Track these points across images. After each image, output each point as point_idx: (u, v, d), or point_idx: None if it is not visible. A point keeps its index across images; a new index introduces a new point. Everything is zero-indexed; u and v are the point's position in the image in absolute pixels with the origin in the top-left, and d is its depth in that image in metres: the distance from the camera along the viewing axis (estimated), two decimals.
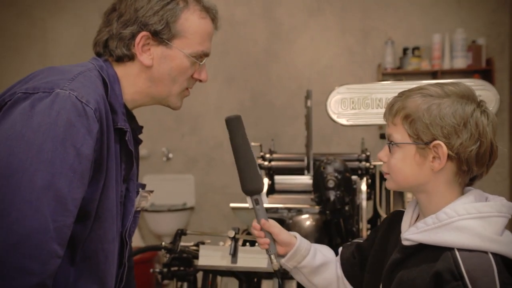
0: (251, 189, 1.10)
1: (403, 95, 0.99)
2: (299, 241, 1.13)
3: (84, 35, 4.32)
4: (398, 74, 4.06)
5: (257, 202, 1.11)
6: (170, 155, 4.43)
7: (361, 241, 1.18)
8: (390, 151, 0.99)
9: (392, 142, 0.98)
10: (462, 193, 0.99)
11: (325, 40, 4.27)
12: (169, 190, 4.33)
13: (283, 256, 1.14)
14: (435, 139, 0.93)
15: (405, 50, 4.04)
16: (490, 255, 0.89)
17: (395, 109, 0.98)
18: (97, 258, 1.01)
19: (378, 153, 1.03)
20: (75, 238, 0.95)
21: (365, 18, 4.21)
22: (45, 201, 0.87)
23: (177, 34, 1.06)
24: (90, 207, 0.96)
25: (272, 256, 1.12)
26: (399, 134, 0.97)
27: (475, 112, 0.93)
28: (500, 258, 0.89)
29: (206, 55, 1.12)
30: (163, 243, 1.74)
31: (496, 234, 0.91)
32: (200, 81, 1.15)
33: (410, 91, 0.98)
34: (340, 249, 1.20)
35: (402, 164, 0.97)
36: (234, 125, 1.09)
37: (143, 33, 1.05)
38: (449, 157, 0.93)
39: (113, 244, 1.05)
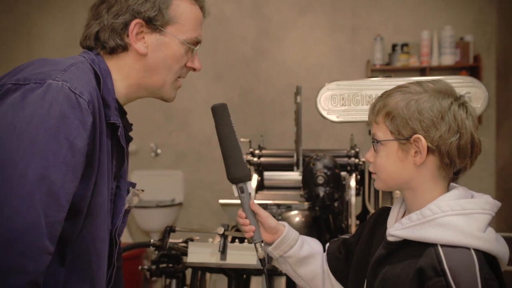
0: (236, 177, 1.10)
1: (384, 94, 1.02)
2: (287, 230, 1.14)
3: (70, 30, 4.27)
4: (387, 70, 4.08)
5: (242, 190, 1.11)
6: (159, 151, 4.41)
7: (348, 236, 1.19)
8: (375, 150, 1.02)
9: (376, 141, 1.01)
10: (448, 189, 1.00)
11: (314, 37, 4.26)
12: (158, 186, 4.31)
13: (270, 244, 1.14)
14: (414, 133, 0.95)
15: (394, 47, 4.06)
16: (473, 251, 0.90)
17: (377, 108, 1.01)
18: (89, 257, 0.98)
19: (366, 154, 1.05)
20: (65, 236, 0.92)
21: (354, 15, 4.22)
22: (37, 196, 0.83)
23: (170, 20, 1.05)
24: (82, 203, 0.94)
25: (257, 245, 1.12)
26: (381, 132, 1.00)
27: (452, 106, 0.95)
28: (482, 254, 0.91)
29: (199, 42, 1.11)
30: (152, 240, 1.72)
31: (479, 231, 0.92)
32: (194, 69, 1.13)
33: (391, 90, 1.02)
34: (327, 244, 1.20)
35: (386, 162, 1.00)
36: (219, 113, 1.10)
37: (136, 20, 1.03)
38: (430, 150, 0.95)
39: (104, 243, 1.03)
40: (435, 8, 4.11)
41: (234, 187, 1.11)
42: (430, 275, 0.89)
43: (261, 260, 1.13)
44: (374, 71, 4.08)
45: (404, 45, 4.03)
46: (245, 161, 1.11)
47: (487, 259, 0.91)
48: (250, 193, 1.12)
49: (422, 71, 4.04)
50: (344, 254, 1.15)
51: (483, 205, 0.95)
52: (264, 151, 2.41)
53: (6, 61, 4.41)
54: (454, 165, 0.97)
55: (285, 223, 1.16)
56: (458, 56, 3.98)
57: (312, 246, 1.17)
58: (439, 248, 0.91)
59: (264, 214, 1.12)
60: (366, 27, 4.19)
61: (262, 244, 1.13)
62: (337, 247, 1.17)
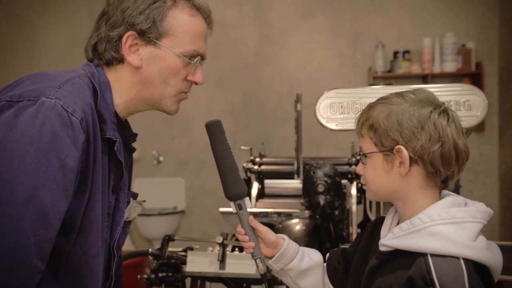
0: (232, 194, 1.09)
1: (367, 107, 1.03)
2: (287, 243, 1.14)
3: (72, 37, 4.29)
4: (388, 77, 4.07)
5: (240, 207, 1.10)
6: (161, 158, 4.40)
7: (347, 246, 1.19)
8: (363, 163, 1.02)
9: (361, 153, 1.02)
10: (439, 197, 0.99)
11: (316, 43, 4.27)
12: (160, 194, 4.30)
13: (270, 257, 1.14)
14: (396, 144, 0.95)
15: (395, 54, 4.05)
16: (462, 261, 0.89)
17: (361, 121, 1.02)
18: (81, 272, 0.98)
19: (356, 167, 1.06)
20: (58, 251, 0.93)
21: (355, 22, 4.22)
22: (26, 215, 0.84)
23: (165, 32, 1.03)
24: (74, 219, 0.94)
25: (258, 260, 1.12)
26: (367, 144, 1.01)
27: (432, 114, 0.95)
28: (472, 264, 0.90)
29: (199, 55, 1.08)
30: (150, 250, 1.71)
31: (469, 240, 0.91)
32: (196, 83, 1.11)
33: (374, 102, 1.02)
34: (327, 255, 1.20)
35: (373, 174, 1.00)
36: (213, 130, 1.09)
37: (129, 32, 1.03)
38: (413, 160, 0.95)
39: (97, 258, 1.02)
40: (436, 14, 4.11)
41: (232, 204, 1.11)
42: (419, 285, 0.89)
43: (262, 276, 1.12)
44: (375, 78, 4.08)
45: (406, 52, 4.03)
46: (242, 178, 1.10)
47: (478, 268, 0.91)
48: (248, 209, 1.11)
49: (424, 78, 4.03)
50: (343, 264, 1.15)
51: (474, 213, 0.94)
52: (264, 159, 2.40)
53: (8, 67, 4.43)
54: (440, 173, 0.96)
55: (284, 236, 1.16)
56: (460, 63, 3.97)
57: (312, 258, 1.17)
58: (429, 257, 0.90)
59: (263, 229, 1.12)
60: (367, 33, 4.19)
61: (262, 259, 1.13)
62: (336, 257, 1.17)
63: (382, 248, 0.98)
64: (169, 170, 4.41)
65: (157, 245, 4.14)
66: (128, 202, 1.13)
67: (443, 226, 0.92)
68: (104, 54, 1.04)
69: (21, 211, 0.84)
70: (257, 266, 1.12)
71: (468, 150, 0.98)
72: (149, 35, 1.03)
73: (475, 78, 3.97)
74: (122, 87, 1.06)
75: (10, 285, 0.83)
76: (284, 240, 1.14)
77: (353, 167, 2.23)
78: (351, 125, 1.51)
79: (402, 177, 0.97)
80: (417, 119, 0.94)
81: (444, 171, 0.96)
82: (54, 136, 0.87)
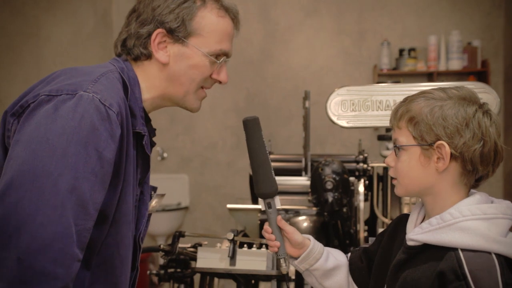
0: (264, 192, 1.10)
1: (406, 100, 1.02)
2: (313, 244, 1.15)
3: (77, 33, 4.29)
4: (394, 75, 4.07)
5: (269, 206, 1.11)
6: (165, 155, 4.41)
7: (367, 245, 1.19)
8: (396, 155, 1.02)
9: (398, 146, 1.01)
10: (468, 195, 1.00)
11: (321, 41, 4.26)
12: (163, 190, 4.25)
13: (295, 258, 1.15)
14: (438, 140, 0.95)
15: (401, 51, 4.05)
16: (494, 256, 0.90)
17: (400, 113, 1.01)
18: (113, 262, 1.01)
19: (386, 159, 1.05)
20: (91, 242, 0.95)
21: (361, 19, 4.21)
22: (68, 206, 0.87)
23: (193, 32, 1.06)
24: (108, 211, 0.97)
25: (282, 260, 1.12)
26: (404, 137, 1.00)
27: (477, 113, 0.96)
28: (503, 259, 0.91)
29: (225, 54, 1.11)
30: (161, 245, 1.72)
31: (501, 236, 0.92)
32: (220, 82, 1.14)
33: (414, 95, 1.02)
34: (349, 254, 1.21)
35: (408, 167, 1.00)
36: (250, 127, 1.09)
37: (159, 30, 1.05)
38: (453, 157, 0.95)
39: (129, 249, 1.05)
40: (442, 12, 4.10)
41: (261, 202, 1.12)
42: (450, 279, 0.89)
43: (285, 276, 1.13)
44: (381, 76, 4.08)
45: (411, 49, 4.03)
46: (274, 177, 1.10)
47: (508, 264, 0.91)
48: (277, 208, 1.12)
49: (430, 76, 4.03)
50: (366, 263, 1.15)
51: (504, 210, 0.95)
52: (272, 156, 2.40)
53: (14, 63, 4.43)
54: (477, 172, 0.97)
55: (310, 236, 1.16)
56: (465, 61, 3.97)
57: (337, 258, 1.18)
58: (460, 252, 0.91)
59: (290, 230, 1.13)
60: (372, 31, 4.19)
61: (286, 259, 1.13)
62: (359, 256, 1.17)
63: (410, 243, 0.98)
64: (173, 166, 4.41)
65: (161, 241, 4.12)
66: (151, 196, 1.16)
67: (474, 221, 0.93)
68: (133, 50, 1.07)
69: (64, 202, 0.86)
70: (280, 266, 1.12)
71: (503, 152, 0.99)
72: (177, 33, 1.06)
73: (480, 76, 3.97)
74: (149, 82, 1.08)
75: (54, 273, 0.85)
76: (310, 241, 1.15)
77: (361, 164, 2.23)
78: (362, 122, 1.51)
79: (438, 172, 0.97)
80: (463, 117, 0.94)
81: (481, 170, 0.96)
82: (93, 129, 0.90)
